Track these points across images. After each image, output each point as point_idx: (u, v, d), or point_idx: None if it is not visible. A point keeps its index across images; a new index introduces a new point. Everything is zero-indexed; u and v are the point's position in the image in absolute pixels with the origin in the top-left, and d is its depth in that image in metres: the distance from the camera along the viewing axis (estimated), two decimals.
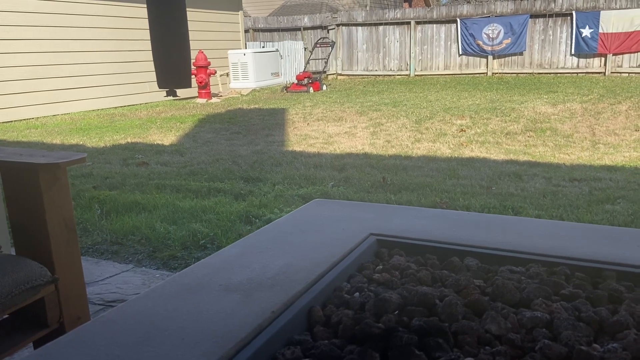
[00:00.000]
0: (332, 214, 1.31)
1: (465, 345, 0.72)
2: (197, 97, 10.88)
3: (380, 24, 14.40)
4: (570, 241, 1.09)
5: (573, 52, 12.51)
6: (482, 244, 1.07)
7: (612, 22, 11.92)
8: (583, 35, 12.25)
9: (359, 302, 0.85)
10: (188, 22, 1.37)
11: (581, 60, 12.59)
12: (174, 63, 1.41)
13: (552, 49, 12.81)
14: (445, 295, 0.84)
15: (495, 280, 0.89)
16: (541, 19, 12.78)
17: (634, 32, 11.81)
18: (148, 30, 1.32)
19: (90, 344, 0.76)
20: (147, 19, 1.32)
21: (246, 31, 14.93)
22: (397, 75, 14.38)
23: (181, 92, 10.02)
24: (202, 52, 10.60)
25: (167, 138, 6.79)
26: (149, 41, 1.34)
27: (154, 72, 1.38)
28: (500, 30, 12.98)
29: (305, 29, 15.29)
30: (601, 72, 12.33)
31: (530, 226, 1.21)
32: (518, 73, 13.16)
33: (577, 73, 12.60)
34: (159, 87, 1.44)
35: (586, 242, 1.09)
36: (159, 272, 2.77)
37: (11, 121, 8.27)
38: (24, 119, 8.44)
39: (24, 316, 1.49)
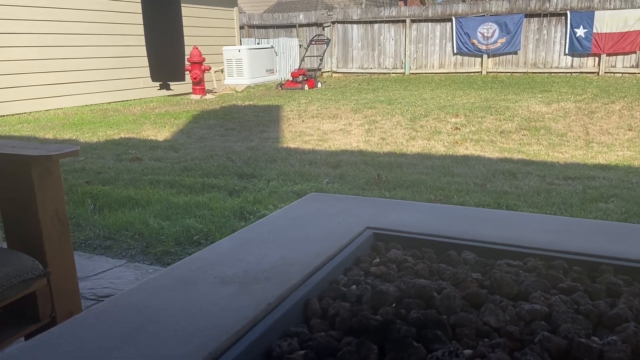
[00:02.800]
0: (328, 208, 1.30)
1: (463, 338, 0.71)
2: (191, 93, 10.84)
3: (376, 22, 14.40)
4: (568, 235, 1.08)
5: (567, 51, 12.56)
6: (479, 238, 1.06)
7: (606, 22, 11.97)
8: (577, 35, 12.30)
9: (355, 294, 0.84)
10: (183, 17, 1.35)
11: (575, 60, 12.64)
12: (167, 56, 1.39)
13: (546, 49, 12.86)
14: (443, 287, 0.83)
15: (493, 273, 0.89)
16: (536, 19, 12.82)
17: (627, 32, 11.87)
18: (142, 25, 1.30)
19: (82, 336, 0.74)
20: (141, 13, 1.30)
21: (241, 28, 14.88)
22: (392, 73, 14.39)
23: (175, 88, 9.99)
24: (197, 48, 10.55)
25: (161, 134, 6.76)
26: (143, 36, 1.32)
27: (148, 66, 1.36)
28: (495, 30, 13.01)
29: (301, 26, 15.26)
30: (595, 72, 12.39)
31: (527, 221, 1.21)
32: (512, 72, 13.20)
33: (571, 73, 12.65)
34: (153, 80, 1.42)
35: (583, 236, 1.08)
36: (152, 267, 2.75)
37: (3, 115, 8.19)
38: (16, 114, 8.37)
39: (16, 310, 1.47)
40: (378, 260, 1.01)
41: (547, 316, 0.76)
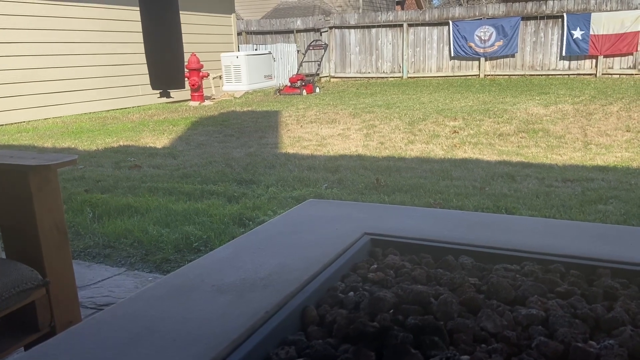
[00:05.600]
0: (325, 214, 1.30)
1: (461, 343, 0.71)
2: (189, 100, 10.85)
3: (373, 27, 14.43)
4: (565, 239, 1.08)
5: (564, 53, 12.58)
6: (477, 243, 1.07)
7: (603, 23, 12.00)
8: (574, 37, 12.33)
9: (353, 301, 0.84)
10: (181, 24, 1.36)
11: (572, 62, 12.66)
12: (167, 64, 1.40)
13: (543, 51, 12.89)
14: (440, 293, 0.83)
15: (490, 278, 0.89)
16: (532, 21, 12.86)
17: (624, 33, 11.90)
18: (140, 33, 1.31)
19: (80, 346, 0.75)
20: (139, 22, 1.30)
21: (239, 34, 14.91)
22: (390, 77, 14.41)
23: (174, 95, 9.99)
24: (195, 54, 10.57)
25: (159, 141, 6.76)
26: (141, 44, 1.33)
27: (147, 75, 1.37)
28: (492, 33, 13.04)
29: (298, 31, 15.29)
30: (592, 74, 12.42)
31: (524, 224, 1.21)
32: (510, 75, 13.22)
33: (568, 75, 12.68)
34: (153, 89, 1.43)
35: (580, 239, 1.09)
36: (151, 275, 2.75)
37: (2, 125, 8.20)
38: (15, 123, 8.38)
39: (15, 320, 1.47)
40: (375, 266, 1.01)
41: (544, 321, 0.76)
